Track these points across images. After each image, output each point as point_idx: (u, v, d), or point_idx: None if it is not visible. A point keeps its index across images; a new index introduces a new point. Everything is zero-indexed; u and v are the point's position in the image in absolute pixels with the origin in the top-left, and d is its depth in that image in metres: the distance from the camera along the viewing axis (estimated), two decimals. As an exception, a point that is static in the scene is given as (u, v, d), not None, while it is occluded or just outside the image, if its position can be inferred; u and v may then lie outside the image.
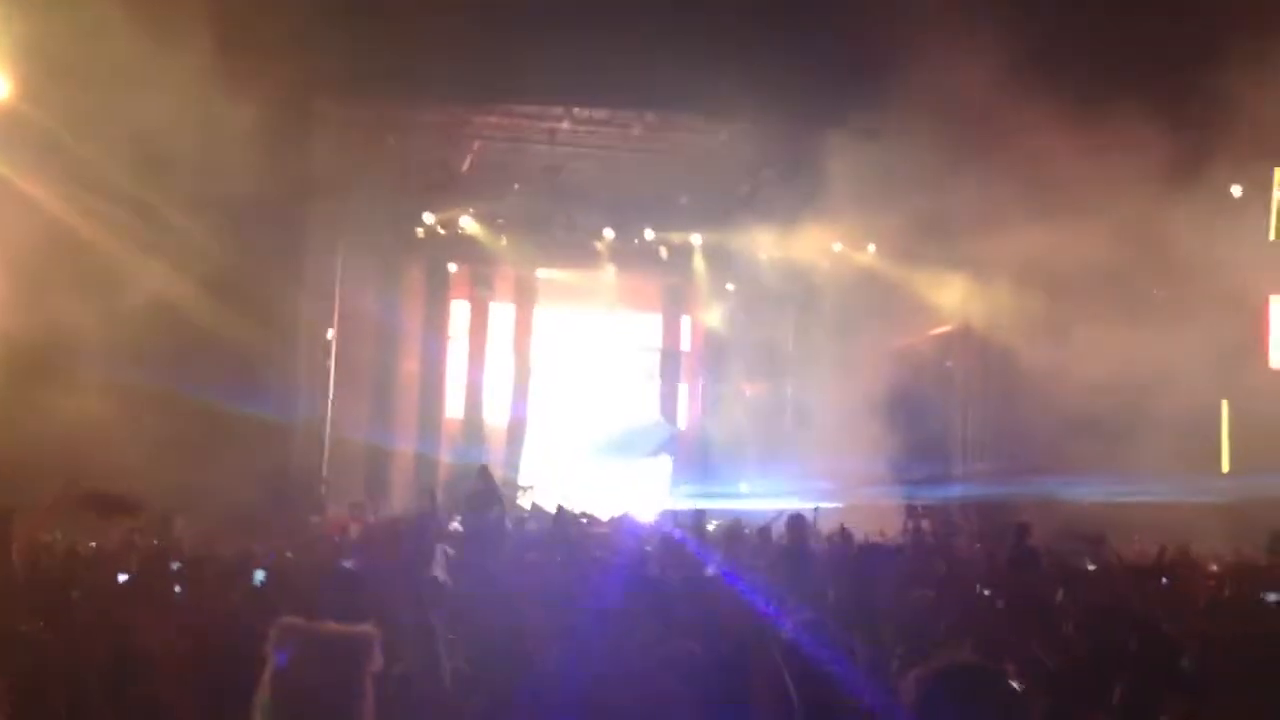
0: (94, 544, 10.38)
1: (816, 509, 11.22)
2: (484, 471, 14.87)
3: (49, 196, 15.62)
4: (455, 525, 14.25)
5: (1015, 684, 3.29)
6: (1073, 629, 6.75)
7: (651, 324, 28.26)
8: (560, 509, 10.94)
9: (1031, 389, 16.83)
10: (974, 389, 21.08)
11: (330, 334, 22.19)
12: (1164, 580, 9.47)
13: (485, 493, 13.52)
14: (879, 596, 7.46)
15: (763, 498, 18.72)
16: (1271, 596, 8.32)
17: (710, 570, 8.44)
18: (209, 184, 15.71)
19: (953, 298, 20.48)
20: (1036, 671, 5.41)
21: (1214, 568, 10.90)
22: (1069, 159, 15.07)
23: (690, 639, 5.00)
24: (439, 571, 8.74)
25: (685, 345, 28.41)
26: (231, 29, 14.67)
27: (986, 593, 8.17)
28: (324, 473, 20.82)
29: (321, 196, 20.20)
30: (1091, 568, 11.07)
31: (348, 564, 8.75)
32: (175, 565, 6.78)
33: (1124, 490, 14.90)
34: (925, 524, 14.13)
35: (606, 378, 27.62)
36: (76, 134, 15.55)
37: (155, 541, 10.84)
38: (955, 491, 18.14)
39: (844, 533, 12.39)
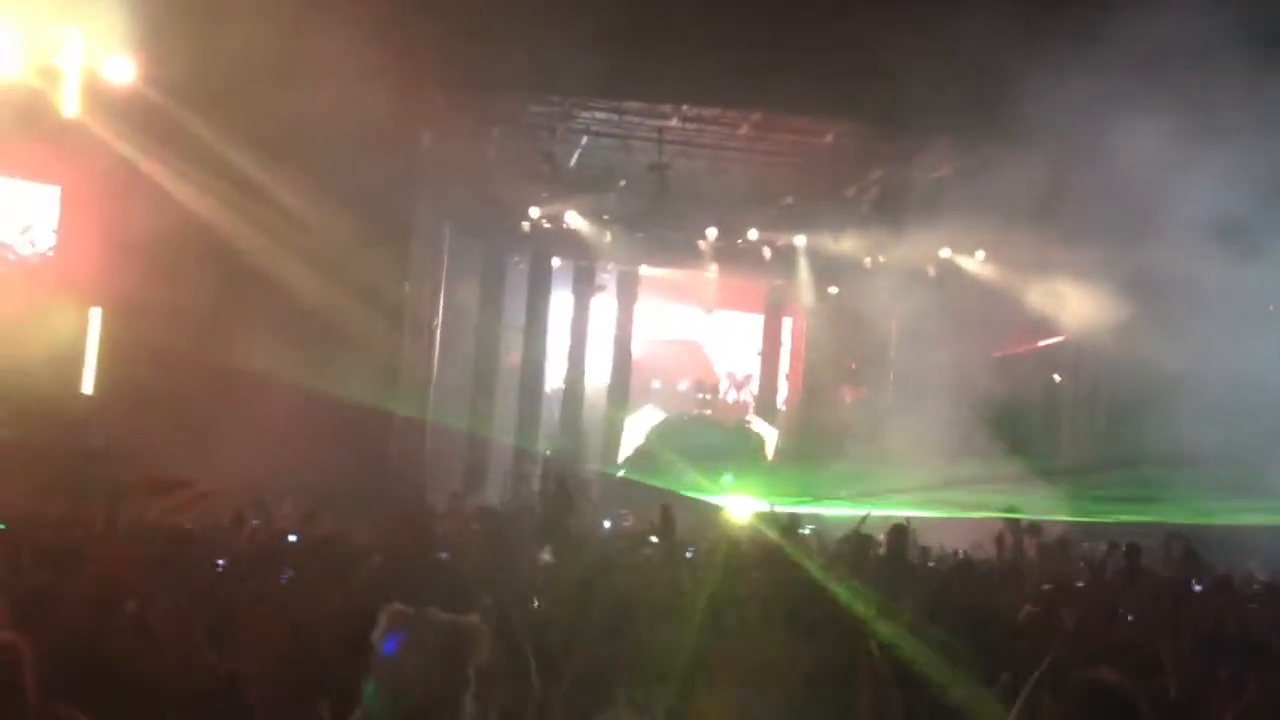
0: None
1: (908, 520, 11.01)
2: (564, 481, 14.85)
3: (169, 178, 15.99)
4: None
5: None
6: (1184, 653, 6.53)
7: (753, 325, 28.15)
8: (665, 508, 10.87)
9: (1143, 407, 16.40)
10: (1083, 404, 20.63)
11: (435, 323, 22.43)
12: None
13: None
14: (984, 612, 7.29)
15: (859, 503, 18.46)
16: None
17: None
18: (323, 168, 15.93)
19: (1063, 309, 20.05)
20: (1155, 696, 5.23)
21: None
22: (1183, 168, 14.65)
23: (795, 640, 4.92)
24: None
25: (786, 347, 28.27)
26: (346, 16, 14.86)
27: (1098, 614, 7.94)
28: (424, 460, 21.01)
29: (430, 186, 20.41)
30: (1198, 588, 10.76)
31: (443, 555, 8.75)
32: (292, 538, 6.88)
33: (1244, 513, 14.46)
34: (1029, 541, 13.79)
35: (707, 377, 27.57)
36: (196, 116, 15.90)
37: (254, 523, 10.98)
38: (1060, 509, 17.74)
39: (946, 552, 12.24)
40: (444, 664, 2.89)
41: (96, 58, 15.55)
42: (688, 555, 10.81)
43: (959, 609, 7.46)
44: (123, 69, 15.64)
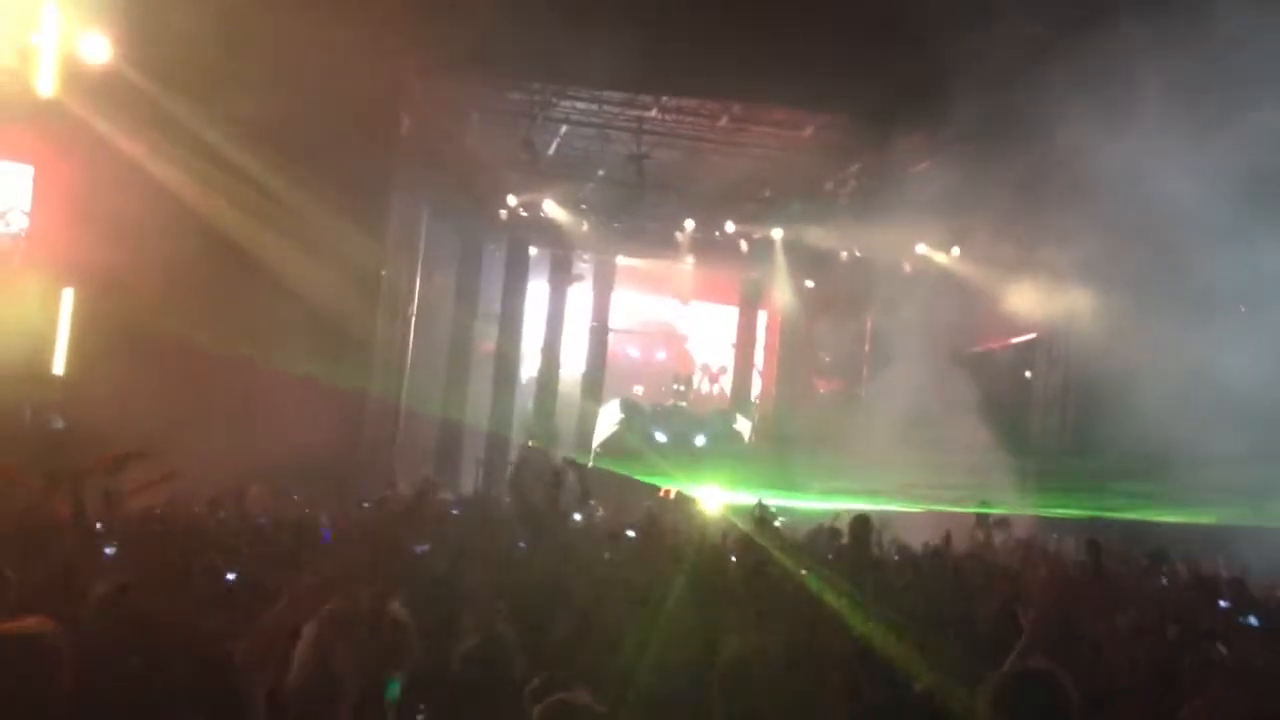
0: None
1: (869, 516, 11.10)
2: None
3: (146, 155, 15.88)
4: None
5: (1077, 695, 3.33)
6: (1137, 648, 6.62)
7: (728, 317, 28.23)
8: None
9: (1113, 404, 16.52)
10: (1054, 401, 20.76)
11: (411, 309, 22.40)
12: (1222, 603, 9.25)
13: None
14: (950, 604, 7.38)
15: (829, 496, 18.57)
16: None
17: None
18: (301, 152, 15.86)
19: (1036, 306, 20.16)
20: (1099, 686, 5.32)
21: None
22: (1157, 170, 14.74)
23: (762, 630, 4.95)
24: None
25: (760, 339, 28.35)
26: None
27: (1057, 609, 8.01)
28: (396, 445, 20.99)
29: (408, 171, 20.36)
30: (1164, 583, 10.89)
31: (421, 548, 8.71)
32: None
33: (1205, 512, 14.59)
34: (996, 536, 13.91)
35: (682, 368, 27.64)
36: (173, 96, 15.81)
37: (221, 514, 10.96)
38: (1028, 505, 17.87)
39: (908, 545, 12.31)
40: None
41: (73, 37, 15.44)
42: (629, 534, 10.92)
43: (926, 600, 7.55)
44: (99, 48, 15.54)
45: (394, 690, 2.82)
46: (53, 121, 15.52)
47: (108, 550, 6.31)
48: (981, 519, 14.69)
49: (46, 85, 15.37)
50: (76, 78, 15.47)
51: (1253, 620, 8.05)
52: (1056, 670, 3.33)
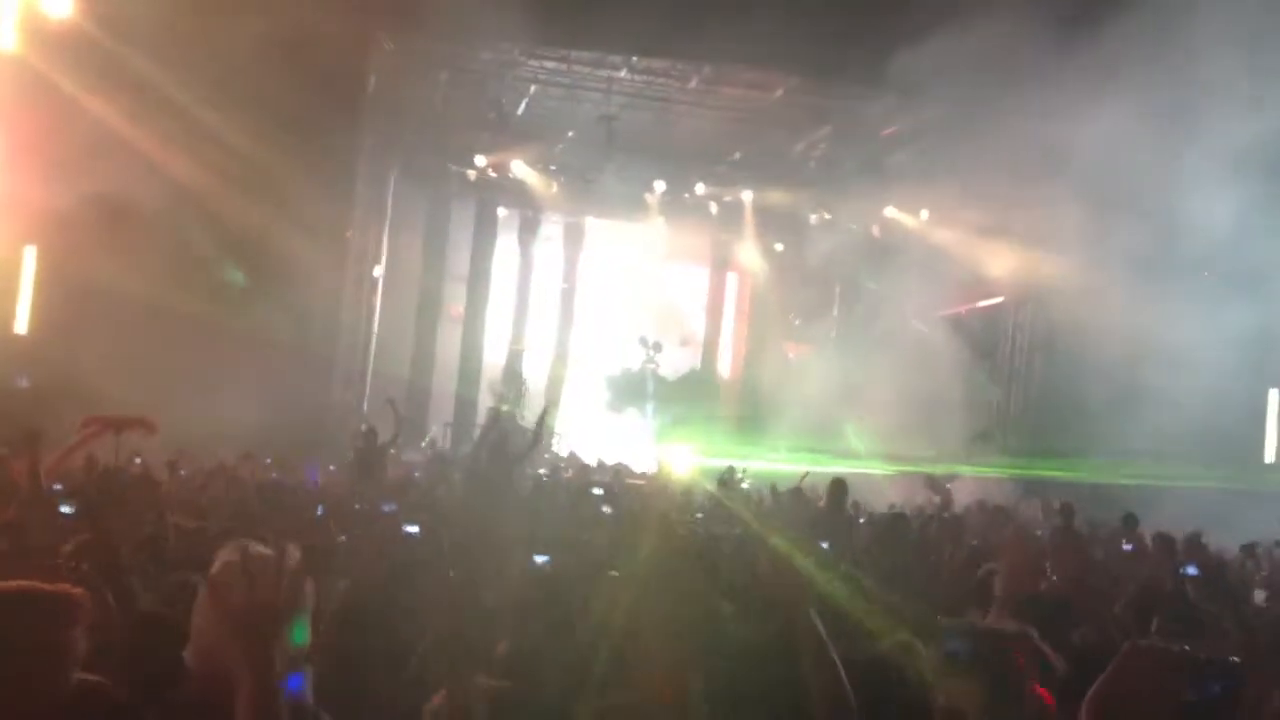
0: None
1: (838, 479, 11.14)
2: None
3: (110, 112, 15.66)
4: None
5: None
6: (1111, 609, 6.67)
7: (698, 279, 28.20)
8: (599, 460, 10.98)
9: (1078, 368, 16.66)
10: (1019, 363, 20.90)
11: (378, 270, 22.27)
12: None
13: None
14: (915, 562, 7.45)
15: (798, 457, 18.63)
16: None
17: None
18: (268, 110, 15.70)
19: (1005, 271, 20.24)
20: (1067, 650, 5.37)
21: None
22: (1124, 137, 14.80)
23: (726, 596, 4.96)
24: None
25: (730, 302, 28.36)
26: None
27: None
28: (364, 409, 20.91)
29: (375, 131, 20.19)
30: (1127, 548, 10.99)
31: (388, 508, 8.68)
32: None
33: (1165, 474, 14.72)
34: (953, 496, 14.01)
35: (651, 330, 27.58)
36: (138, 53, 15.58)
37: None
38: (993, 466, 18.01)
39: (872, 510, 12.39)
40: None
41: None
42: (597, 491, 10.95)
43: (892, 559, 7.61)
44: (61, 3, 15.29)
45: (302, 633, 2.78)
46: (15, 77, 15.28)
47: (65, 509, 6.22)
48: (935, 480, 14.78)
49: (8, 40, 15.13)
50: (38, 33, 15.22)
51: (1192, 570, 8.19)
52: (1028, 631, 3.37)
